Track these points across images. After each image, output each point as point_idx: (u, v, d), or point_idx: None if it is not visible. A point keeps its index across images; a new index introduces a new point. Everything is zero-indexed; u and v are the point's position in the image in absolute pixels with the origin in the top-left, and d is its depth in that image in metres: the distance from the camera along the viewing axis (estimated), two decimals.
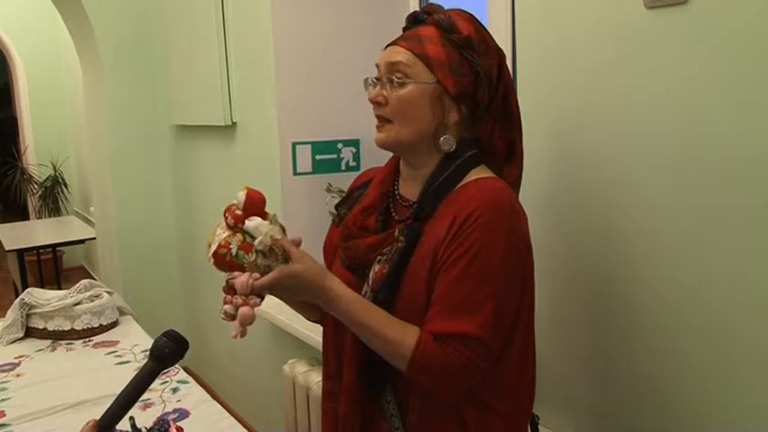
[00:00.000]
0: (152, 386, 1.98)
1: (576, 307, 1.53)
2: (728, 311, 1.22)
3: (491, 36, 1.29)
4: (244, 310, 1.13)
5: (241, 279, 1.14)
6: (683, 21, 1.23)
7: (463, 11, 1.29)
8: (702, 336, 1.27)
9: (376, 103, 1.26)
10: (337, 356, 1.34)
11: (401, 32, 1.31)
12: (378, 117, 1.27)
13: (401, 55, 1.23)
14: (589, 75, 1.43)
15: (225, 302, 1.16)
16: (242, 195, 1.18)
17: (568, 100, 1.49)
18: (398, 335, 1.17)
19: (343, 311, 1.20)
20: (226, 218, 1.18)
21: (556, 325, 1.57)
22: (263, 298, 1.18)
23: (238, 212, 1.17)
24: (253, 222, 1.17)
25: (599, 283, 1.47)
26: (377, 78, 1.28)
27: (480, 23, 1.28)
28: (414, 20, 1.30)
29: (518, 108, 1.32)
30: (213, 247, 1.16)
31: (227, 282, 1.18)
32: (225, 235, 1.16)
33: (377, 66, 1.28)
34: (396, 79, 1.23)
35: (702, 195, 1.24)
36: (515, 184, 1.34)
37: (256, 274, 1.14)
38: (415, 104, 1.23)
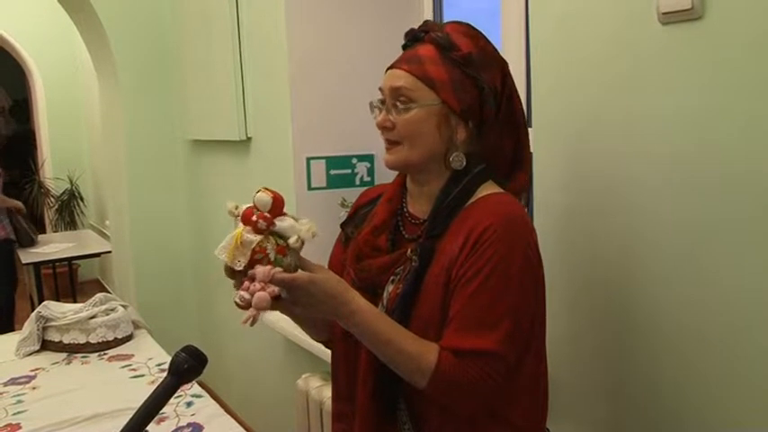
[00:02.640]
0: None
1: (591, 325, 1.52)
2: (748, 329, 1.21)
3: (491, 44, 1.28)
4: (261, 293, 1.09)
5: (263, 268, 1.11)
6: (698, 36, 1.23)
7: (461, 23, 1.28)
8: (718, 352, 1.26)
9: (383, 128, 1.26)
10: (349, 377, 1.33)
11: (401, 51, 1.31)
12: (386, 140, 1.27)
13: (402, 79, 1.23)
14: (604, 91, 1.43)
15: (242, 289, 1.11)
16: (267, 197, 1.14)
17: (583, 116, 1.49)
18: (418, 351, 1.16)
19: (362, 325, 1.16)
20: (256, 222, 1.13)
21: (570, 342, 1.56)
22: (279, 298, 1.13)
23: (267, 215, 1.14)
24: (286, 222, 1.15)
25: (614, 301, 1.46)
26: (382, 102, 1.28)
27: (479, 34, 1.27)
28: (411, 38, 1.30)
29: (522, 111, 1.32)
30: (246, 253, 1.12)
31: (238, 276, 1.15)
32: (257, 240, 1.12)
33: (380, 89, 1.28)
34: (400, 104, 1.23)
35: (720, 213, 1.23)
36: (525, 188, 1.34)
37: (278, 268, 1.11)
38: (422, 127, 1.23)
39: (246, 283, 1.11)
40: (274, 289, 1.10)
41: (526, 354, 1.22)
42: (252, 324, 1.09)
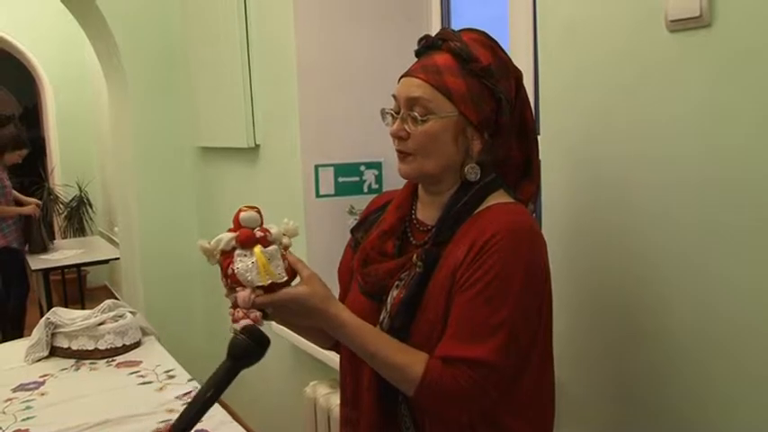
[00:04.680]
0: (173, 407, 2.01)
1: (598, 331, 1.52)
2: (758, 335, 1.20)
3: (506, 54, 1.27)
4: (244, 323, 1.12)
5: (243, 294, 1.13)
6: (706, 43, 1.23)
7: (477, 33, 1.27)
8: (731, 361, 1.25)
9: (398, 138, 1.24)
10: (354, 383, 1.33)
11: (414, 57, 1.30)
12: (399, 151, 1.26)
13: (420, 89, 1.21)
14: (612, 98, 1.43)
15: (232, 320, 1.15)
16: (255, 214, 1.16)
17: (591, 123, 1.49)
18: (406, 361, 1.16)
19: (349, 338, 1.19)
20: (264, 236, 1.15)
21: (577, 350, 1.56)
22: (265, 314, 1.16)
23: (264, 227, 1.17)
24: (275, 228, 1.18)
25: (622, 307, 1.46)
26: (396, 112, 1.25)
27: (496, 44, 1.27)
28: (427, 46, 1.28)
29: (533, 120, 1.32)
30: (278, 263, 1.15)
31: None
32: (275, 248, 1.16)
33: (394, 97, 1.26)
34: (418, 116, 1.21)
35: (728, 218, 1.22)
36: (533, 199, 1.33)
37: (259, 291, 1.14)
38: (438, 138, 1.21)
39: (231, 311, 1.15)
40: (257, 315, 1.14)
41: (527, 365, 1.21)
42: None
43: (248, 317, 1.13)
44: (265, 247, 1.15)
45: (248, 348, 1.10)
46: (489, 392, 1.14)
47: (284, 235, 1.19)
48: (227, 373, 1.10)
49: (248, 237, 1.15)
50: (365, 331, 1.19)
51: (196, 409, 1.07)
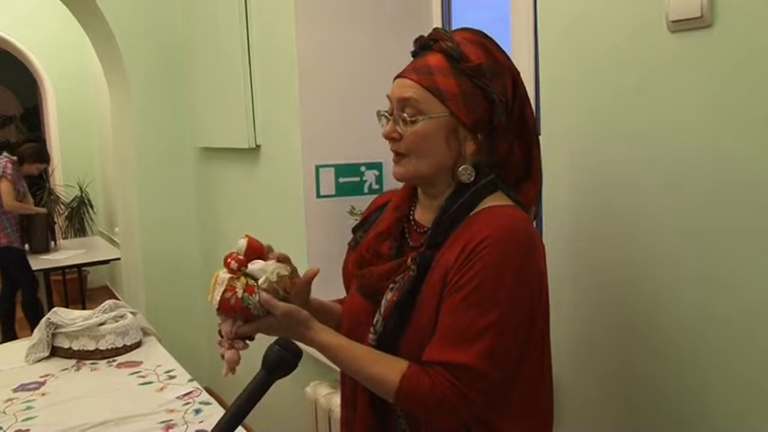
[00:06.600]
0: (174, 407, 2.01)
1: (601, 334, 1.52)
2: (757, 339, 1.20)
3: (502, 52, 1.25)
4: (229, 354, 1.25)
5: (226, 325, 1.24)
6: (707, 44, 1.23)
7: (471, 32, 1.25)
8: (730, 364, 1.25)
9: (391, 139, 1.24)
10: (352, 383, 1.33)
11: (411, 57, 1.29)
12: (393, 152, 1.25)
13: (411, 90, 1.20)
14: (612, 99, 1.43)
15: (220, 345, 1.27)
16: (243, 242, 1.26)
17: (592, 124, 1.49)
18: (384, 370, 1.17)
19: (330, 359, 1.24)
20: (228, 263, 1.24)
21: (578, 351, 1.56)
22: (252, 339, 1.27)
23: (241, 257, 1.24)
24: (256, 265, 1.24)
25: (624, 310, 1.46)
26: (389, 113, 1.25)
27: (490, 42, 1.25)
28: (420, 46, 1.27)
29: (534, 119, 1.30)
30: (219, 291, 1.22)
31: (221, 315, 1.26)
32: (228, 277, 1.22)
33: (388, 98, 1.26)
34: (408, 116, 1.20)
35: (731, 221, 1.22)
36: (534, 201, 1.31)
37: (239, 322, 1.24)
38: (430, 139, 1.20)
39: (218, 338, 1.27)
40: (240, 344, 1.26)
41: (521, 370, 1.19)
42: (232, 374, 1.28)
43: (233, 347, 1.25)
44: (230, 273, 1.23)
45: (282, 360, 1.16)
46: (472, 397, 1.12)
47: (266, 276, 1.23)
48: (261, 384, 1.15)
49: (225, 258, 1.25)
50: (343, 349, 1.23)
51: (233, 419, 1.13)
